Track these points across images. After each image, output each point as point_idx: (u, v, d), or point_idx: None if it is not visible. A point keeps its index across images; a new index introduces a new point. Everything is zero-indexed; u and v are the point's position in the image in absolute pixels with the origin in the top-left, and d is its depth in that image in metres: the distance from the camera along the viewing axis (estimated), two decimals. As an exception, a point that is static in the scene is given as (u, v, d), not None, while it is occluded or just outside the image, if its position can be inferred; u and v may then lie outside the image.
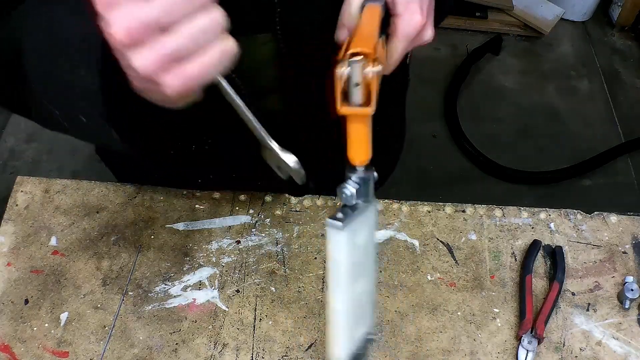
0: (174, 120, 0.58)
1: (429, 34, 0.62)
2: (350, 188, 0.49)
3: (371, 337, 0.59)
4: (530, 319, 0.71)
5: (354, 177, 0.49)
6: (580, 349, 0.71)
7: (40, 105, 0.55)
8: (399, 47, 0.59)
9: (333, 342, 0.53)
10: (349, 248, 0.48)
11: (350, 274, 0.49)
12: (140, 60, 0.41)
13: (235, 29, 0.63)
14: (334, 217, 0.47)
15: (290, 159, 0.53)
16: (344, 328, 0.52)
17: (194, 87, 0.43)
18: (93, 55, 0.48)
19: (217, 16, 0.44)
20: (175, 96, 0.43)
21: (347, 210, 0.49)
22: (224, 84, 0.47)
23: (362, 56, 0.45)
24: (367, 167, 0.50)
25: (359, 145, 0.49)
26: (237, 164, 0.81)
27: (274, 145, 0.52)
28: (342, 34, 0.57)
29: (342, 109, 0.47)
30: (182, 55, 0.42)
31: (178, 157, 0.79)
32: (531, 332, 0.71)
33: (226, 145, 0.79)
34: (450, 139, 2.24)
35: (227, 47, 0.44)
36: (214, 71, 0.44)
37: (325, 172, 0.88)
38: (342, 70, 0.45)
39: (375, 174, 0.51)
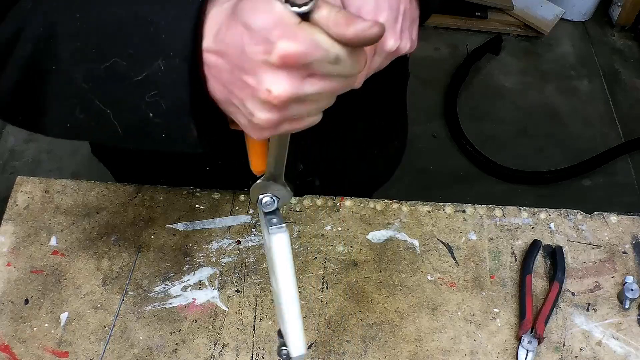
0: None
1: (406, 47, 0.55)
2: (268, 197, 0.53)
3: None
4: (530, 319, 0.71)
5: (272, 187, 0.54)
6: (580, 349, 0.71)
7: (77, 103, 0.48)
8: (372, 63, 0.53)
9: (293, 337, 0.54)
10: (289, 245, 0.53)
11: (293, 268, 0.54)
12: (265, 118, 0.42)
13: None
14: (272, 224, 0.52)
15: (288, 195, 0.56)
16: (299, 320, 0.54)
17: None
18: (179, 46, 0.43)
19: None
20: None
21: (275, 215, 0.54)
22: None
23: None
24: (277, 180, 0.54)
25: (256, 157, 0.54)
26: (237, 164, 0.81)
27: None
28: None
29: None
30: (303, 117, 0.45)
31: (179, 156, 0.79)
32: (531, 332, 0.71)
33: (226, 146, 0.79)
34: (450, 139, 2.24)
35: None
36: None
37: (330, 170, 0.88)
38: None
39: (288, 189, 0.54)
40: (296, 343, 0.55)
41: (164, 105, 0.45)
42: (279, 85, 0.40)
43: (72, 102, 0.48)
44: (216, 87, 0.44)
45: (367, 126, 0.88)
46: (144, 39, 0.44)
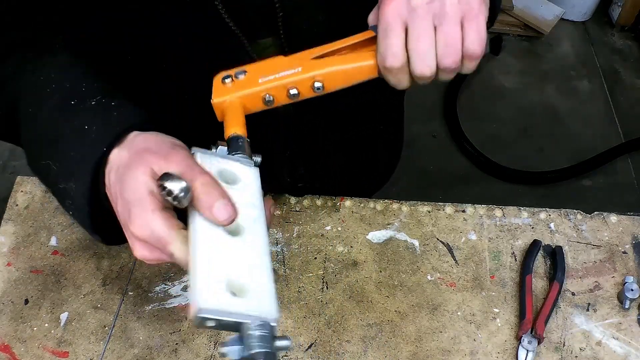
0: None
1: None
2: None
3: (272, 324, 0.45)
4: (530, 319, 0.71)
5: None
6: (580, 349, 0.71)
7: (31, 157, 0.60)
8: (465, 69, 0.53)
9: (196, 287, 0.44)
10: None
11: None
12: (139, 254, 0.48)
13: (240, 35, 0.63)
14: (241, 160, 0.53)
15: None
16: (204, 270, 0.45)
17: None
18: (84, 175, 0.52)
19: None
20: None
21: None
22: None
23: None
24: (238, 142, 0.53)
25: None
26: None
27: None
28: None
29: None
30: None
31: None
32: (531, 332, 0.71)
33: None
34: (450, 139, 2.24)
35: None
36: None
37: (329, 174, 0.88)
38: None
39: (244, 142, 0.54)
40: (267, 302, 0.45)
41: (76, 215, 0.55)
42: (137, 250, 0.48)
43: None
44: (114, 206, 0.51)
45: (365, 129, 0.88)
46: (64, 161, 0.54)
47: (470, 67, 0.52)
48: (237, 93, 0.54)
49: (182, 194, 0.45)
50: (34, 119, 0.57)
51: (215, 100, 0.55)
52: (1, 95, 0.61)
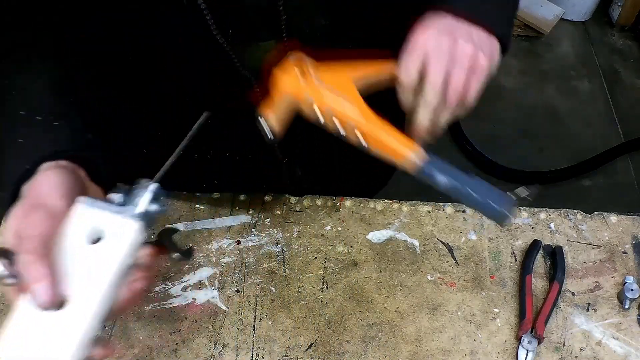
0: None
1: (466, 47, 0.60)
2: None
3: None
4: (530, 319, 0.71)
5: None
6: (580, 349, 0.71)
7: None
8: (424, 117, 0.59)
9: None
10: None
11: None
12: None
13: (241, 36, 0.63)
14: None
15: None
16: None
17: None
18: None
19: None
20: None
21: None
22: None
23: None
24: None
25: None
26: (237, 164, 0.81)
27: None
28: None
29: None
30: None
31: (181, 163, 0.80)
32: (531, 332, 0.70)
33: (226, 147, 0.79)
34: (450, 139, 2.24)
35: None
36: None
37: (329, 175, 0.88)
38: None
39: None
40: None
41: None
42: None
43: None
44: None
45: None
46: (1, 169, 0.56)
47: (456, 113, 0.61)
48: (304, 94, 0.55)
49: (4, 274, 0.46)
50: None
51: (282, 86, 0.55)
52: None
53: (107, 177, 0.57)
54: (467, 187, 0.55)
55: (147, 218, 0.49)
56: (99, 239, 0.48)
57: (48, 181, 0.53)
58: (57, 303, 0.46)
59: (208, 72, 0.65)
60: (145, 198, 0.49)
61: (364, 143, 0.56)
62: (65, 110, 0.60)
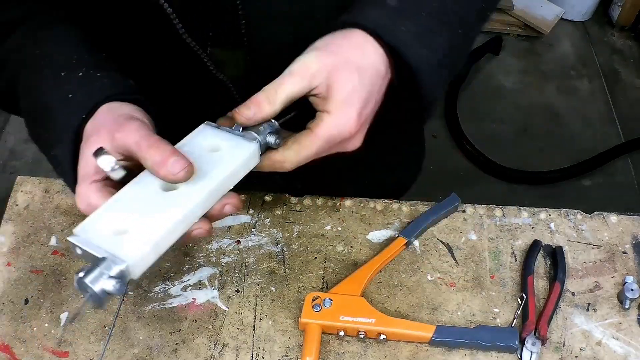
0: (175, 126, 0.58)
1: (355, 144, 0.60)
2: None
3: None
4: (533, 321, 0.71)
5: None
6: (580, 349, 0.71)
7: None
8: (313, 146, 0.57)
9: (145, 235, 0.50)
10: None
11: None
12: None
13: (208, 41, 0.64)
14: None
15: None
16: (104, 209, 0.52)
17: None
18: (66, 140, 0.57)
19: None
20: None
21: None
22: None
23: None
24: None
25: None
26: None
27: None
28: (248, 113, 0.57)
29: None
30: None
31: None
32: (534, 334, 0.70)
33: None
34: (450, 139, 2.24)
35: None
36: None
37: (309, 174, 0.88)
38: None
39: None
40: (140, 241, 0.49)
41: (66, 181, 0.60)
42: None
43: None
44: None
45: (386, 136, 0.86)
46: (52, 129, 0.58)
47: None
48: (320, 321, 0.69)
49: (108, 169, 0.50)
50: (30, 90, 0.61)
51: (304, 320, 0.69)
52: (4, 71, 0.65)
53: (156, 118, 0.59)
54: (474, 340, 0.68)
55: (264, 147, 0.57)
56: (218, 150, 0.55)
57: (121, 107, 0.56)
58: (189, 173, 0.50)
59: (187, 77, 0.66)
60: (264, 128, 0.56)
61: (382, 337, 0.69)
62: (102, 61, 0.61)
